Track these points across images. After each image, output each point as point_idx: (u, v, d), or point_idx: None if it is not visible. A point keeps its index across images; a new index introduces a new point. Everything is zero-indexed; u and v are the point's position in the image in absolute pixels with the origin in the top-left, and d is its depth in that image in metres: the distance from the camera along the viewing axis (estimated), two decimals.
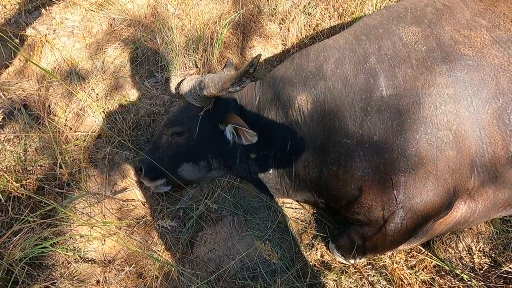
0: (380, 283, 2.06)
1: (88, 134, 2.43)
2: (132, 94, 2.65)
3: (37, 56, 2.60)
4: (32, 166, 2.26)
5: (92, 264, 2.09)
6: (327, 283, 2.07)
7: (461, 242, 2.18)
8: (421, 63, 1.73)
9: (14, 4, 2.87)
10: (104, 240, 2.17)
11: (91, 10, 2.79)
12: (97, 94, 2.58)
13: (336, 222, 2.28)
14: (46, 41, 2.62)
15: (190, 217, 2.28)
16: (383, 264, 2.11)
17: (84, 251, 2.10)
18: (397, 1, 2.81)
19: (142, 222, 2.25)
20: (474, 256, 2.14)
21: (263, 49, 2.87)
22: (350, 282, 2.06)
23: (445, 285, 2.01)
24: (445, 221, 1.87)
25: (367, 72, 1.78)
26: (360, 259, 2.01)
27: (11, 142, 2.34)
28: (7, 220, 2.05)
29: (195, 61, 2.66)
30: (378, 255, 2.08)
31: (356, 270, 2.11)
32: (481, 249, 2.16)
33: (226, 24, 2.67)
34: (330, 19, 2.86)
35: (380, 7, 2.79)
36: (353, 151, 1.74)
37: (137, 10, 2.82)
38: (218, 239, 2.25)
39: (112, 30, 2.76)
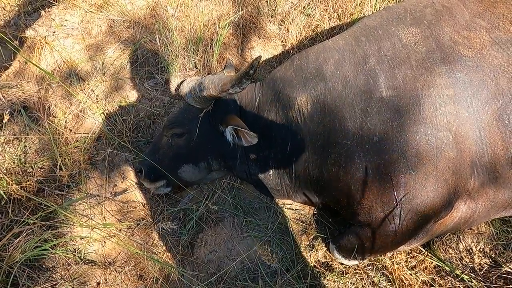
0: (380, 284, 2.06)
1: (88, 136, 2.43)
2: (132, 96, 2.65)
3: (37, 58, 2.60)
4: (32, 168, 2.26)
5: (92, 266, 2.09)
6: (327, 284, 2.07)
7: (461, 242, 2.18)
8: (421, 64, 1.73)
9: (14, 6, 2.87)
10: (105, 242, 2.16)
11: (91, 11, 2.79)
12: (97, 95, 2.58)
13: (337, 223, 2.28)
14: (46, 42, 2.62)
15: (191, 219, 2.28)
16: (383, 265, 2.11)
17: (84, 253, 2.10)
18: (396, 2, 2.82)
19: (142, 223, 2.25)
20: (475, 257, 2.14)
21: (262, 50, 2.88)
22: (351, 283, 2.06)
23: (446, 285, 2.02)
24: (445, 221, 1.87)
25: (366, 73, 1.78)
26: (360, 260, 2.01)
27: (10, 144, 2.34)
28: (7, 223, 2.04)
29: (195, 63, 2.66)
30: (378, 256, 2.09)
31: (356, 271, 2.11)
32: (481, 249, 2.16)
33: (225, 25, 2.67)
34: (330, 20, 2.87)
35: (380, 8, 2.79)
36: (353, 152, 1.74)
37: (137, 12, 2.82)
38: (218, 240, 2.25)
39: (111, 32, 2.76)
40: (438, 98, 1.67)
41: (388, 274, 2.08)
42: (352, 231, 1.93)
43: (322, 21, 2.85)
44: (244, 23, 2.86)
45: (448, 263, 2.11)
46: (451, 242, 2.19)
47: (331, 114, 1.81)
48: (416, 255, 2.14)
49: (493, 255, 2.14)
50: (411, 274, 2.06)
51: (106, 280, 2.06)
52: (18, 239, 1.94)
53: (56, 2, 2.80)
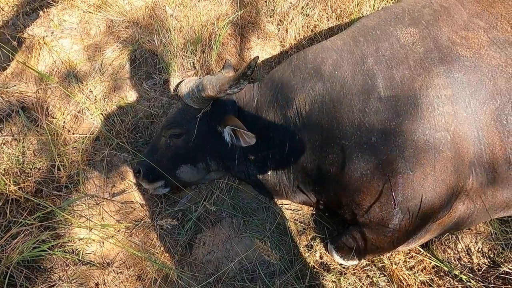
0: (379, 284, 2.06)
1: (86, 136, 2.43)
2: (130, 96, 2.64)
3: (35, 58, 2.60)
4: (30, 169, 2.26)
5: (90, 266, 2.08)
6: (326, 284, 2.07)
7: (459, 242, 2.18)
8: (419, 64, 1.73)
9: (12, 6, 2.87)
10: (103, 243, 2.16)
11: (89, 12, 2.79)
12: (95, 96, 2.58)
13: (335, 223, 2.28)
14: (44, 43, 2.62)
15: (189, 219, 2.28)
16: (382, 265, 2.11)
17: (82, 254, 2.09)
18: (395, 2, 2.82)
19: (140, 224, 2.25)
20: (473, 257, 2.14)
21: (261, 50, 2.87)
22: (349, 283, 2.06)
23: (444, 285, 2.02)
24: (444, 222, 1.87)
25: (365, 74, 1.78)
26: (359, 260, 2.01)
27: (9, 145, 2.34)
28: (5, 223, 2.04)
29: (193, 63, 2.66)
30: (377, 256, 2.08)
31: (355, 271, 2.11)
32: (479, 249, 2.16)
33: (224, 25, 2.67)
34: (328, 20, 2.87)
35: (378, 8, 2.79)
36: (351, 153, 1.74)
37: (135, 12, 2.82)
38: (216, 241, 2.25)
39: (110, 32, 2.76)
40: (436, 98, 1.66)
41: (386, 274, 2.08)
42: (351, 232, 1.93)
43: (321, 21, 2.85)
44: (243, 23, 2.86)
45: (447, 263, 2.11)
46: (449, 242, 2.19)
47: (329, 115, 1.81)
48: (415, 255, 2.14)
49: (491, 255, 2.14)
50: (409, 274, 2.06)
51: (104, 281, 2.06)
52: (16, 240, 1.94)
53: (55, 2, 2.80)
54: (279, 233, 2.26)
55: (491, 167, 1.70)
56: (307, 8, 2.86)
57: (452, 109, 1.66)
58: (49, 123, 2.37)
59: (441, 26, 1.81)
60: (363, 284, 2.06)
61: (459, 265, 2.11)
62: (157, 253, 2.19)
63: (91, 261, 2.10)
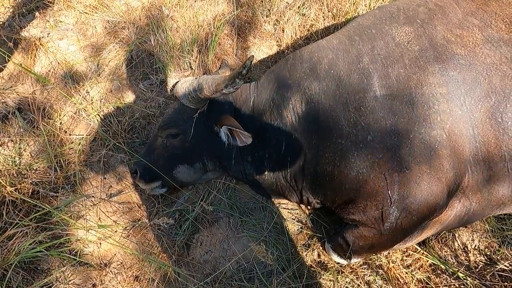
0: (376, 283, 2.07)
1: (83, 137, 2.43)
2: (127, 97, 2.64)
3: (31, 60, 2.60)
4: (27, 170, 2.25)
5: (88, 267, 2.08)
6: (323, 283, 2.07)
7: (456, 240, 2.19)
8: (414, 62, 1.73)
9: (8, 8, 2.86)
10: (100, 243, 2.16)
11: (86, 12, 2.79)
12: (92, 97, 2.58)
13: (332, 222, 2.28)
14: (40, 44, 2.62)
15: (186, 219, 2.28)
16: (379, 264, 2.12)
17: (79, 255, 2.09)
18: (390, 1, 2.83)
19: (137, 224, 2.24)
20: (470, 254, 2.14)
21: (257, 50, 2.88)
22: (347, 282, 2.07)
23: (441, 283, 2.02)
24: (440, 219, 1.87)
25: (360, 72, 1.78)
26: (356, 259, 2.01)
27: (5, 146, 2.33)
28: (2, 225, 2.03)
29: (190, 63, 2.66)
30: (374, 254, 2.09)
31: (352, 270, 2.12)
32: (476, 247, 2.17)
33: (220, 25, 2.67)
34: (324, 19, 2.87)
35: (374, 7, 2.80)
36: (348, 151, 1.74)
37: (132, 12, 2.82)
38: (214, 240, 2.25)
39: (106, 33, 2.76)
40: (432, 97, 1.67)
41: (383, 272, 2.08)
42: (348, 230, 1.93)
43: (317, 21, 2.85)
44: (239, 23, 2.87)
45: (444, 261, 2.11)
46: (446, 240, 2.19)
47: (325, 114, 1.81)
48: (412, 254, 2.14)
49: (488, 253, 2.14)
50: (406, 273, 2.07)
51: (102, 281, 2.06)
52: (12, 241, 1.94)
53: (51, 3, 2.80)
54: (277, 233, 2.26)
55: (486, 164, 1.71)
56: (304, 8, 2.86)
57: (447, 107, 1.66)
58: (45, 124, 2.37)
59: (436, 24, 1.82)
60: (360, 282, 2.06)
61: (456, 262, 2.12)
62: (154, 253, 2.19)
63: (88, 262, 2.10)
